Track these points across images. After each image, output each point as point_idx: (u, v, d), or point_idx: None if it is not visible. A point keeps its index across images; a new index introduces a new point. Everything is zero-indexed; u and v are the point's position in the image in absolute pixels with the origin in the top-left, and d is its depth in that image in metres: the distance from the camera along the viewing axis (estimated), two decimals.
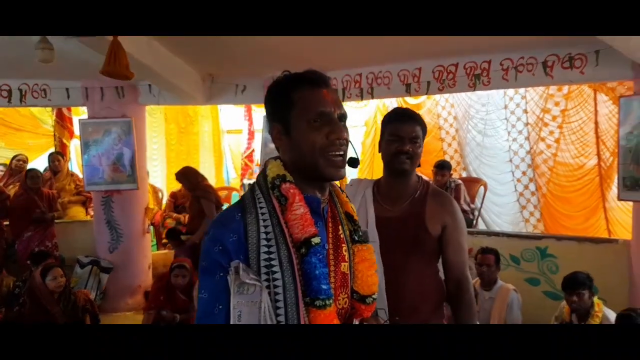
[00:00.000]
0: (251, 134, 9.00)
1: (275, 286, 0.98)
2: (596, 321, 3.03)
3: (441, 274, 1.85)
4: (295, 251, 1.01)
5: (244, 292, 0.96)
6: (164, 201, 6.91)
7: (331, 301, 1.02)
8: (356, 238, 1.17)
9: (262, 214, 1.03)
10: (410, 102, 5.93)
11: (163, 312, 3.58)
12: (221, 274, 0.98)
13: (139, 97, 5.05)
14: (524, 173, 5.27)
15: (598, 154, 4.66)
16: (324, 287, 1.01)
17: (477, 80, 3.88)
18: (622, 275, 3.59)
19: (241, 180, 8.82)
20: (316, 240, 1.02)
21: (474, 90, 4.05)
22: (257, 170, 8.47)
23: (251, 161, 8.77)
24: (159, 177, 8.41)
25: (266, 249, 1.00)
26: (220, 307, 0.97)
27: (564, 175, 4.99)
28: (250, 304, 0.96)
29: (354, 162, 1.20)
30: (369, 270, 1.15)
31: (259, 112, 8.43)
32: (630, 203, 3.67)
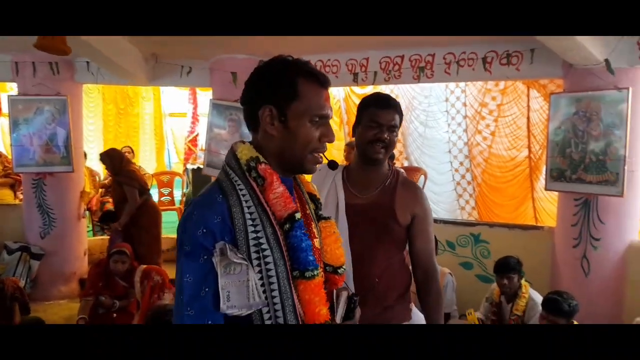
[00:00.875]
0: (195, 118, 8.79)
1: (267, 263, 1.02)
2: (523, 302, 3.27)
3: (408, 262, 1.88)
4: (279, 228, 1.05)
5: (231, 272, 0.98)
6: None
7: (318, 271, 1.08)
8: (321, 215, 1.22)
9: (243, 195, 1.05)
10: (356, 91, 6.02)
11: (101, 298, 3.47)
12: (205, 257, 0.99)
13: (75, 75, 4.78)
14: (461, 163, 5.53)
15: (529, 147, 4.97)
16: (311, 258, 1.07)
17: (422, 72, 4.01)
18: (545, 260, 3.88)
19: (184, 165, 8.61)
20: (298, 215, 1.08)
21: (418, 82, 4.18)
22: (201, 155, 8.29)
23: (195, 146, 8.57)
24: (96, 159, 8.01)
25: (253, 229, 1.02)
26: (207, 289, 0.99)
27: (497, 167, 5.29)
28: (238, 284, 0.98)
29: (334, 165, 1.29)
30: (336, 243, 1.21)
31: (204, 96, 8.23)
32: (556, 193, 3.96)
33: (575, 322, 2.66)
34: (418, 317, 2.73)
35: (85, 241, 5.15)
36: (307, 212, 1.19)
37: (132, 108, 9.38)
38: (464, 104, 5.35)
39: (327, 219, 1.23)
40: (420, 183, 5.44)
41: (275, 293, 1.02)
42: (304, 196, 1.22)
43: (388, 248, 1.78)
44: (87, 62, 4.64)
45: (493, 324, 3.44)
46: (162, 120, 10.38)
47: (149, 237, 4.47)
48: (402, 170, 1.95)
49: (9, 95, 4.91)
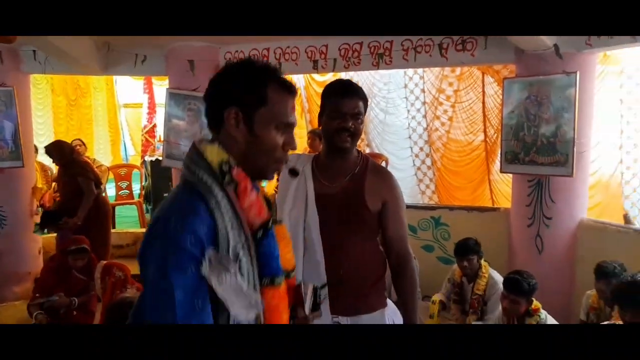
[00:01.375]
0: (152, 108, 8.52)
1: (242, 272, 1.00)
2: (483, 281, 3.40)
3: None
4: (250, 235, 1.03)
5: (225, 281, 0.95)
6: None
7: (283, 277, 1.09)
8: (275, 219, 1.20)
9: (220, 200, 1.00)
10: (317, 79, 6.01)
11: (54, 298, 3.35)
12: (193, 269, 0.93)
13: (21, 65, 4.54)
14: (421, 149, 5.64)
15: (485, 132, 5.13)
16: (280, 265, 1.08)
17: (380, 59, 4.05)
18: (503, 239, 4.04)
19: (142, 157, 8.37)
20: (270, 223, 1.07)
21: (378, 69, 4.22)
22: (159, 147, 8.07)
23: (152, 137, 8.33)
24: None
25: (233, 236, 0.99)
26: (200, 301, 0.93)
27: (455, 151, 5.43)
28: (232, 290, 0.96)
29: (294, 172, 1.32)
30: (287, 247, 1.19)
31: (160, 85, 8.00)
32: (511, 175, 4.11)
33: (535, 300, 2.78)
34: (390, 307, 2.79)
35: (39, 239, 4.94)
36: None
37: (83, 99, 9.02)
38: (423, 90, 5.44)
39: (279, 222, 1.21)
40: None
41: (259, 302, 1.01)
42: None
43: (359, 236, 1.78)
44: (34, 51, 4.41)
45: (455, 303, 3.56)
46: (117, 112, 10.04)
47: (103, 231, 4.34)
48: (371, 158, 1.92)
49: None
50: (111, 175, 6.60)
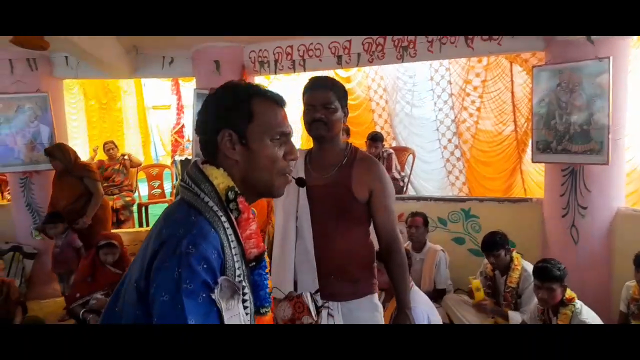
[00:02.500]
0: (180, 109, 8.70)
1: (245, 300, 1.01)
2: (516, 274, 3.33)
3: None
4: (246, 264, 1.05)
5: (230, 308, 0.96)
6: None
7: (269, 307, 1.12)
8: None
9: (226, 228, 1.00)
10: (341, 74, 6.00)
11: (92, 302, 3.47)
12: (204, 295, 0.92)
13: (54, 70, 4.70)
14: (449, 141, 5.57)
15: (514, 121, 5.02)
16: (268, 295, 1.10)
17: (405, 52, 4.01)
18: (536, 231, 3.94)
19: (172, 157, 8.55)
20: (265, 254, 1.09)
21: (402, 62, 4.18)
22: (188, 146, 8.24)
23: (181, 137, 8.50)
24: (82, 156, 7.91)
25: (238, 265, 1.00)
26: None
27: (485, 142, 5.34)
28: (233, 317, 0.97)
29: (302, 182, 1.31)
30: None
31: (187, 87, 8.14)
32: (543, 164, 4.01)
33: (569, 289, 2.72)
34: (417, 295, 2.78)
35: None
36: None
37: (114, 103, 9.25)
38: (449, 82, 5.37)
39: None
40: (408, 162, 5.48)
41: None
42: None
43: (348, 225, 1.85)
44: (66, 57, 4.56)
45: (488, 296, 3.50)
46: (146, 114, 10.27)
47: (105, 230, 4.40)
48: (360, 148, 2.00)
49: None
50: (143, 175, 6.77)
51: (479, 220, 4.23)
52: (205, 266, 0.92)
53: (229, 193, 1.02)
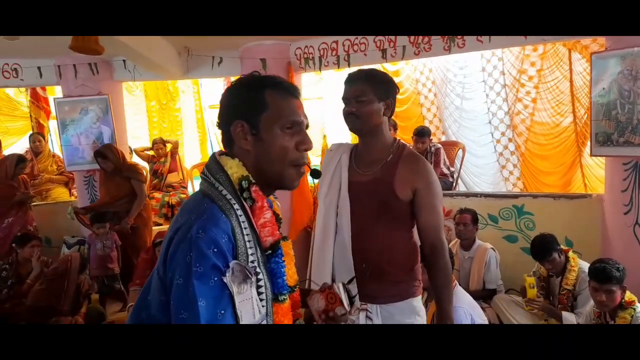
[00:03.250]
0: None
1: (259, 286, 1.03)
2: (573, 275, 3.15)
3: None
4: (262, 252, 1.06)
5: (242, 292, 0.98)
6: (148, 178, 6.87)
7: (287, 294, 1.11)
8: (286, 237, 1.21)
9: (240, 215, 1.02)
10: (388, 68, 5.91)
11: None
12: (215, 278, 0.94)
13: (113, 73, 4.98)
14: (502, 134, 5.35)
15: (573, 112, 4.73)
16: (286, 283, 1.10)
17: (452, 43, 3.88)
18: (595, 229, 3.71)
19: None
20: (281, 242, 1.09)
21: (450, 53, 4.04)
22: None
23: None
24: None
25: (252, 251, 1.02)
26: (223, 312, 0.95)
27: (541, 134, 5.08)
28: (245, 302, 0.98)
29: (317, 174, 1.28)
30: (290, 263, 1.20)
31: None
32: (604, 158, 3.75)
33: (628, 292, 2.54)
34: (460, 294, 2.70)
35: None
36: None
37: (173, 103, 9.63)
38: (502, 73, 5.15)
39: (285, 239, 1.20)
40: (458, 157, 5.31)
41: (263, 316, 1.04)
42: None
43: (389, 225, 1.78)
44: (124, 61, 4.81)
45: (542, 298, 3.34)
46: (203, 113, 10.63)
47: (146, 231, 4.58)
48: (408, 145, 1.94)
49: (55, 98, 5.18)
50: (197, 173, 7.02)
51: (533, 218, 4.03)
52: (215, 250, 0.95)
53: (243, 182, 1.05)
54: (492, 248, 3.69)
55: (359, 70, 1.88)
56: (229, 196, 1.03)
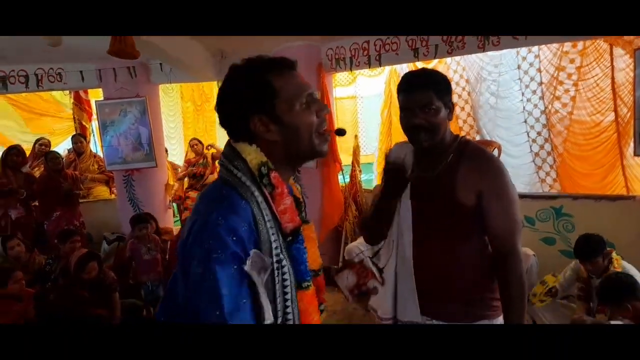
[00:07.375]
0: None
1: (284, 273, 1.02)
2: None
3: None
4: (283, 238, 1.05)
5: (262, 281, 0.98)
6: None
7: (310, 280, 1.10)
8: (304, 218, 1.19)
9: (260, 202, 1.01)
10: (420, 67, 5.84)
11: None
12: (235, 267, 0.94)
13: (150, 76, 5.13)
14: (539, 133, 5.19)
15: (615, 110, 4.54)
16: (308, 269, 1.09)
17: (487, 40, 3.80)
18: (638, 232, 3.56)
19: None
20: (301, 229, 1.08)
21: (484, 51, 3.96)
22: None
23: None
24: (178, 154, 8.57)
25: (274, 237, 1.01)
26: (244, 301, 0.95)
27: (580, 134, 4.90)
28: (267, 292, 0.99)
29: (341, 132, 1.24)
30: (314, 247, 1.19)
31: None
32: None
33: None
34: None
35: (173, 230, 5.55)
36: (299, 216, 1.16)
37: (208, 104, 9.82)
38: (539, 70, 4.99)
39: (307, 222, 1.19)
40: None
41: (289, 302, 1.03)
42: (296, 200, 1.18)
43: (452, 235, 1.57)
44: (160, 64, 4.96)
45: (580, 300, 3.24)
46: None
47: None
48: (472, 141, 1.71)
49: (96, 101, 5.40)
50: None
51: (573, 220, 3.90)
52: (234, 238, 0.94)
53: (262, 168, 1.03)
54: (533, 255, 3.60)
55: (419, 73, 1.63)
56: (248, 183, 1.02)
